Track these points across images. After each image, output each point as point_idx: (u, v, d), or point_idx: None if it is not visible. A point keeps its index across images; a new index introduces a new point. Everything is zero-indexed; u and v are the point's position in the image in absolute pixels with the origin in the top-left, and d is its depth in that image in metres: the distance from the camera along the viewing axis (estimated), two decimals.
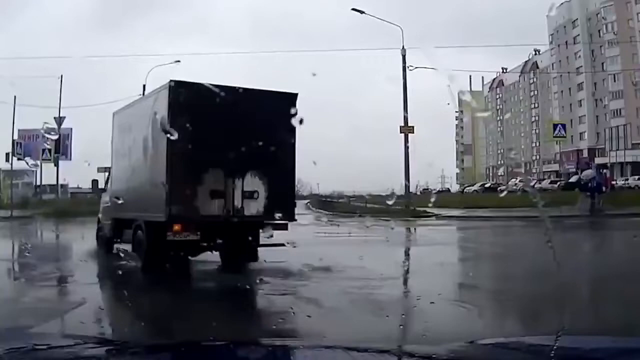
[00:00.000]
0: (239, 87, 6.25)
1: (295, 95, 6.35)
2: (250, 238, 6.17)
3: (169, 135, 5.68)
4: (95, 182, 9.64)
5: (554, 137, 23.54)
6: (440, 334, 2.96)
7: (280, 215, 6.23)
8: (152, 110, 6.47)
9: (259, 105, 5.97)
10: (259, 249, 6.45)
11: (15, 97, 23.06)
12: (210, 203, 6.09)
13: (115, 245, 7.84)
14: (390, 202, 10.92)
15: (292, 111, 5.93)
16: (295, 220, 6.77)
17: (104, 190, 8.78)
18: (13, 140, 22.79)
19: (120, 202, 6.96)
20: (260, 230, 6.25)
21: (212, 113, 5.52)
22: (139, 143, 6.82)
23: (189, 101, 5.82)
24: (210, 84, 6.10)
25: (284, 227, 6.40)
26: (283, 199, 6.50)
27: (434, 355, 1.40)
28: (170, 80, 6.11)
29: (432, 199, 19.87)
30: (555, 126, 23.51)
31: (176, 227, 6.04)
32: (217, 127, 5.56)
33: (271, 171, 6.23)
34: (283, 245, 6.34)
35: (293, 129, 6.08)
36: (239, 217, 6.24)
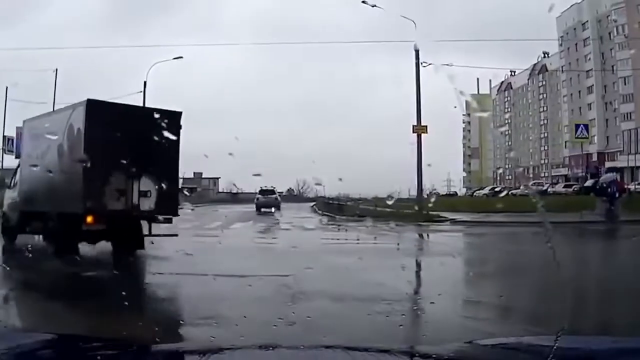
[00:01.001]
0: (138, 106, 8.41)
1: (180, 113, 7.93)
2: (140, 228, 7.74)
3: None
4: (2, 179, 10.99)
5: (576, 137, 22.98)
6: None
7: (167, 210, 7.79)
8: (68, 122, 7.73)
9: (152, 120, 7.05)
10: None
11: (7, 88, 22.65)
12: (115, 200, 7.48)
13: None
14: (389, 203, 10.67)
15: (178, 126, 7.81)
16: (179, 215, 8.08)
17: (9, 187, 9.94)
18: (4, 136, 22.21)
19: (32, 197, 8.36)
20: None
21: (118, 126, 6.74)
22: (54, 149, 8.06)
23: (101, 116, 7.32)
24: (117, 103, 8.08)
25: (170, 221, 7.95)
26: (169, 197, 7.96)
27: (434, 355, 1.40)
28: (87, 99, 7.58)
29: (432, 199, 19.23)
30: (577, 126, 22.89)
31: (89, 219, 7.34)
32: (121, 137, 6.69)
33: (160, 175, 7.57)
34: (176, 235, 8.06)
35: (177, 141, 7.66)
36: (136, 212, 7.65)
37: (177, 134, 7.73)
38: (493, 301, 4.94)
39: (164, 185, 7.64)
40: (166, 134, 7.15)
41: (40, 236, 8.49)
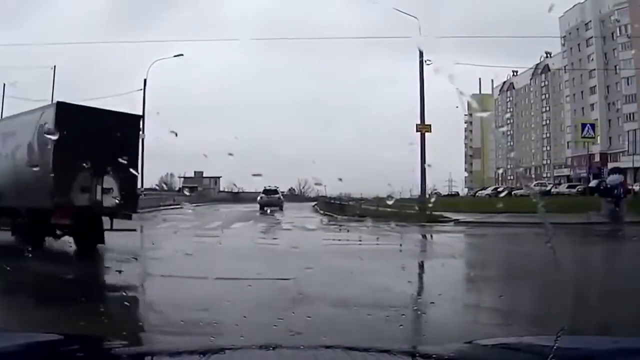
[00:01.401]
0: (103, 109, 8.53)
1: (140, 116, 8.88)
2: (101, 224, 8.31)
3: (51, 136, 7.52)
4: None
5: (582, 137, 22.62)
6: None
7: (127, 207, 8.42)
8: (38, 123, 8.23)
9: (115, 123, 7.86)
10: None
11: (4, 86, 22.72)
12: (81, 196, 8.04)
13: None
14: (390, 203, 10.62)
15: (138, 129, 8.60)
16: (138, 212, 8.78)
17: None
18: None
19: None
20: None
21: (85, 127, 7.30)
22: (24, 148, 8.53)
23: (69, 118, 7.79)
24: (84, 106, 8.68)
25: (129, 217, 8.68)
26: (130, 195, 8.49)
27: (434, 356, 1.40)
28: (57, 101, 8.25)
29: (432, 199, 19.03)
30: (584, 126, 22.50)
31: (58, 213, 7.85)
32: (88, 138, 7.14)
33: (122, 173, 8.10)
34: (135, 230, 8.75)
35: (138, 142, 8.57)
36: (99, 207, 8.23)
37: (138, 136, 8.65)
38: (509, 308, 4.70)
39: (125, 184, 8.26)
40: (128, 135, 8.16)
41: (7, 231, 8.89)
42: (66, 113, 7.93)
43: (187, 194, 32.84)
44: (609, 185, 16.29)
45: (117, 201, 8.22)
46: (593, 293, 4.93)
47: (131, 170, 8.37)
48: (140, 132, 8.65)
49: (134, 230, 8.77)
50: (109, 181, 8.15)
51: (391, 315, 3.84)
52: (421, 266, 7.45)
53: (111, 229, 8.46)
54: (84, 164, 7.55)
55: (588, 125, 23.01)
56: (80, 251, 8.28)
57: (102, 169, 7.93)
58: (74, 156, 7.43)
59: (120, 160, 7.61)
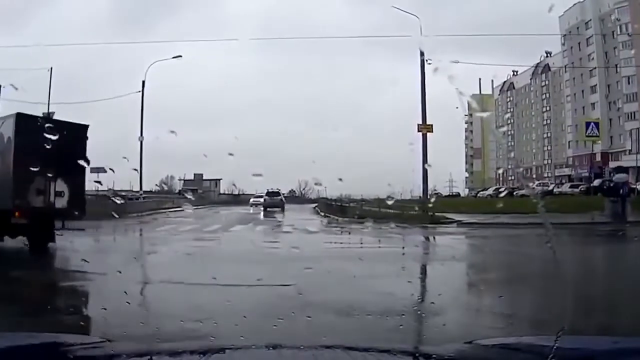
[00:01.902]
0: (56, 119, 9.75)
1: (87, 126, 9.71)
2: (53, 224, 9.22)
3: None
4: None
5: (586, 136, 22.29)
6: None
7: (77, 208, 9.27)
8: None
9: (65, 131, 8.44)
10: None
11: (0, 87, 22.84)
12: (37, 198, 8.86)
13: None
14: (389, 203, 10.65)
15: (85, 137, 9.57)
16: (85, 214, 9.52)
17: None
18: None
19: None
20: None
21: (41, 136, 7.96)
22: None
23: (27, 127, 8.47)
24: (39, 116, 9.92)
25: (79, 218, 9.60)
26: (78, 198, 9.42)
27: (434, 356, 1.40)
28: (17, 112, 9.00)
29: (432, 199, 18.93)
30: (587, 124, 22.11)
31: (17, 214, 8.63)
32: (43, 145, 7.33)
33: (71, 178, 8.97)
34: (83, 230, 9.93)
35: (85, 149, 9.37)
36: (52, 209, 9.04)
37: (84, 143, 9.52)
38: (511, 310, 4.59)
39: (74, 187, 9.12)
40: (77, 143, 8.96)
41: None
42: (24, 123, 8.63)
43: (186, 196, 33.24)
44: (611, 185, 16.23)
45: (67, 203, 9.12)
46: (594, 295, 4.90)
47: (79, 174, 9.08)
48: (87, 140, 9.59)
49: (83, 229, 9.80)
50: (60, 185, 8.99)
51: (392, 319, 3.71)
52: (425, 270, 7.37)
53: (62, 228, 9.38)
54: (39, 169, 8.12)
55: (592, 123, 22.71)
56: (33, 249, 9.04)
57: (55, 174, 8.60)
58: (31, 162, 7.95)
59: (70, 165, 8.11)
